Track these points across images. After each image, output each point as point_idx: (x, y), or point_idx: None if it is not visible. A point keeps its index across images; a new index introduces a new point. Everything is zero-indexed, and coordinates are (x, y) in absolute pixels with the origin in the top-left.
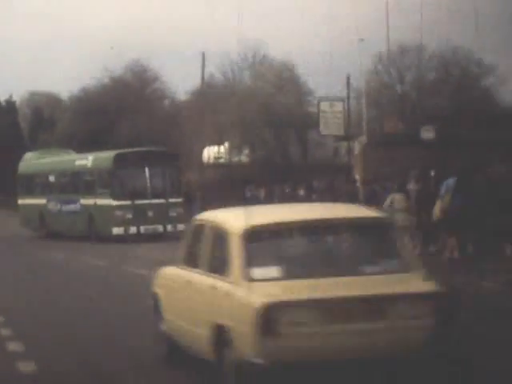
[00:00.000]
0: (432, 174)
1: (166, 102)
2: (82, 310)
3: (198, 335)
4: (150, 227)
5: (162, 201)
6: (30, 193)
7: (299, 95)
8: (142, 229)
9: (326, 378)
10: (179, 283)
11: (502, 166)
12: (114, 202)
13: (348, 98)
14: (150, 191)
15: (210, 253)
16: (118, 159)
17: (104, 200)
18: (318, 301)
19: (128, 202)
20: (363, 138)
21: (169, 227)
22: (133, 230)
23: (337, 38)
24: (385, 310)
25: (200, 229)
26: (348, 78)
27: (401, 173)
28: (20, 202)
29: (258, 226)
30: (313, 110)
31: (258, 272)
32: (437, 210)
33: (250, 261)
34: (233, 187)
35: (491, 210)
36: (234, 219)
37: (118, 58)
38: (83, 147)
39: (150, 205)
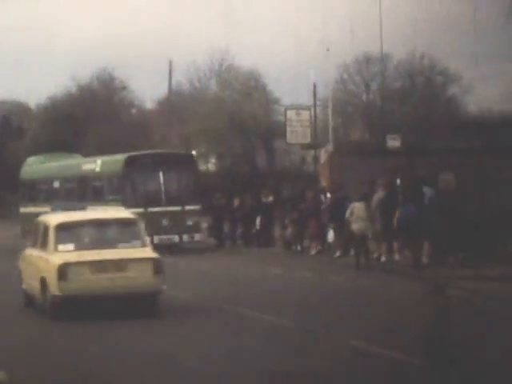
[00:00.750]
0: (398, 182)
1: (134, 110)
2: None
3: (35, 286)
4: (165, 237)
5: (177, 208)
6: (33, 200)
7: (266, 104)
8: (156, 239)
9: (97, 306)
10: (28, 257)
11: (450, 175)
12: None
13: (314, 106)
14: (165, 197)
15: (41, 238)
16: (129, 162)
17: (114, 207)
18: (90, 261)
19: (140, 210)
20: (329, 147)
21: (185, 237)
22: None
23: (303, 48)
24: (126, 266)
25: (39, 224)
26: (314, 87)
27: (367, 181)
28: (22, 210)
29: (63, 222)
30: (279, 118)
31: (61, 247)
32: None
33: (58, 241)
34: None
35: (440, 219)
36: (53, 219)
37: (86, 67)
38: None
39: (165, 213)
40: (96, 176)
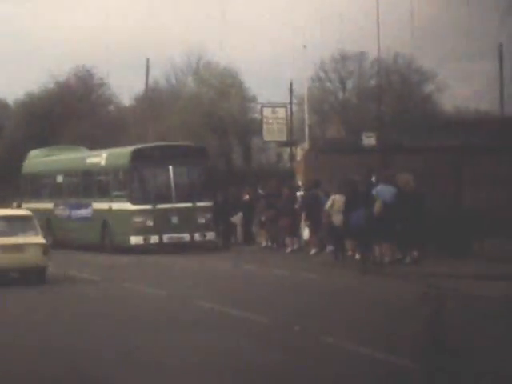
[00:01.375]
0: (373, 179)
1: (111, 107)
2: None
3: None
4: (175, 236)
5: (188, 205)
6: (35, 196)
7: (243, 101)
8: (165, 238)
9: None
10: None
11: (408, 175)
12: (132, 207)
13: (291, 104)
14: (175, 193)
15: None
16: (136, 156)
17: (120, 204)
18: (0, 245)
19: (148, 207)
20: (305, 144)
21: (196, 236)
22: (154, 239)
23: (280, 45)
24: (23, 248)
25: None
26: (291, 85)
27: (341, 179)
28: (24, 206)
29: None
30: (256, 116)
31: None
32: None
33: None
34: None
35: (400, 218)
36: None
37: (64, 64)
38: (27, 151)
39: (175, 209)
40: (101, 170)
